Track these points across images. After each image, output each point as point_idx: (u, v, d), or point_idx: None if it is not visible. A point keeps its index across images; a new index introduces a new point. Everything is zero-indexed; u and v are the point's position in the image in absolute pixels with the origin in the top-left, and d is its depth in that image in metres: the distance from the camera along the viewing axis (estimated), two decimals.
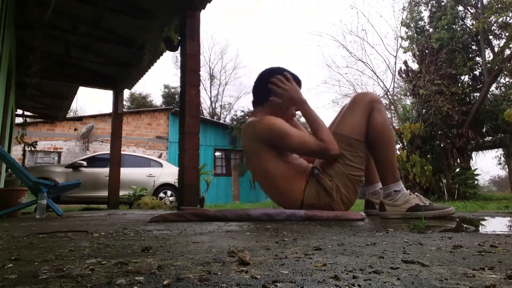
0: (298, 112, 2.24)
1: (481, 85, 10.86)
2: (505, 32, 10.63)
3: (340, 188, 1.94)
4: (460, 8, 11.87)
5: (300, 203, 1.98)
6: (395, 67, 10.65)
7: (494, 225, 1.71)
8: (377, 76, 11.00)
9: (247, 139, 2.09)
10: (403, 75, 10.26)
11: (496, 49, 11.13)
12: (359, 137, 1.96)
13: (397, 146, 10.06)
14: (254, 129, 2.03)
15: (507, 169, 17.87)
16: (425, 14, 12.49)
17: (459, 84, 10.49)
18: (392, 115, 11.40)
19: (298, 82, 2.16)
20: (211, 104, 28.13)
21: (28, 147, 6.09)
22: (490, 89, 11.00)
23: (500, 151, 15.75)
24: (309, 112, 2.04)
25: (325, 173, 1.97)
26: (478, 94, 10.84)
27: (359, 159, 1.97)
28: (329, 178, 1.95)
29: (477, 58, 11.67)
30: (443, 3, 11.93)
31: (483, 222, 1.81)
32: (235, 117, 18.20)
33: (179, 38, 4.29)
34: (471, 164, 10.31)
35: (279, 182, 2.01)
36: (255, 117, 2.07)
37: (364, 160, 2.00)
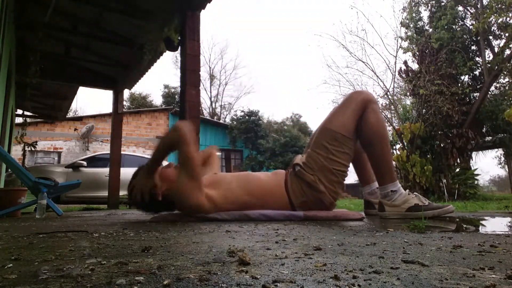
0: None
1: (481, 85, 10.86)
2: (505, 32, 10.63)
3: (323, 182, 1.92)
4: (460, 8, 11.87)
5: (291, 206, 1.97)
6: (395, 67, 10.67)
7: (494, 225, 1.71)
8: (377, 76, 11.03)
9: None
10: (403, 75, 10.26)
11: (496, 49, 11.13)
12: (347, 133, 1.94)
13: (397, 146, 10.07)
14: (185, 205, 1.91)
15: (507, 169, 17.88)
16: (425, 14, 12.49)
17: (459, 84, 10.49)
18: (392, 115, 11.41)
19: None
20: (211, 104, 28.16)
21: (28, 147, 6.08)
22: (490, 89, 11.00)
23: (500, 151, 15.75)
24: (156, 158, 1.88)
25: (307, 167, 1.95)
26: (478, 94, 10.84)
27: (344, 155, 1.94)
28: (311, 172, 1.93)
29: (477, 58, 11.67)
30: (443, 3, 11.93)
31: (483, 222, 1.81)
32: (235, 117, 18.23)
33: (179, 38, 4.29)
34: (471, 164, 10.31)
35: (261, 202, 1.95)
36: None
37: (349, 157, 1.98)
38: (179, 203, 1.90)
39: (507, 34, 10.07)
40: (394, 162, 8.75)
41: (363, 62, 11.49)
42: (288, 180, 1.99)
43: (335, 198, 1.99)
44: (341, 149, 1.93)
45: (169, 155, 1.95)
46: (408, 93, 10.99)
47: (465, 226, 1.64)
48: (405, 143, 9.23)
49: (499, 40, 11.62)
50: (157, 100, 25.24)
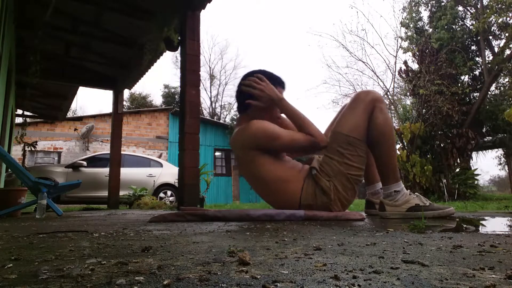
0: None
1: (481, 85, 10.86)
2: (505, 32, 10.63)
3: (338, 188, 1.92)
4: (460, 8, 11.87)
5: (298, 204, 1.97)
6: (395, 67, 10.67)
7: (494, 225, 1.70)
8: (377, 76, 11.03)
9: (238, 148, 2.06)
10: (403, 75, 10.26)
11: (496, 49, 11.13)
12: (359, 136, 1.94)
13: (397, 146, 10.06)
14: (243, 137, 2.00)
15: (507, 169, 17.88)
16: (425, 14, 12.50)
17: (459, 84, 10.49)
18: (392, 115, 11.40)
19: (278, 81, 2.12)
20: (211, 104, 28.15)
21: (28, 147, 6.10)
22: (490, 89, 11.01)
23: (500, 151, 15.75)
24: (289, 108, 2.02)
25: (323, 173, 1.95)
26: (478, 94, 10.85)
27: (359, 158, 1.94)
28: (327, 178, 1.93)
29: (477, 58, 11.67)
30: (443, 3, 11.93)
31: (483, 222, 1.81)
32: (235, 117, 18.22)
33: (179, 38, 4.29)
34: (471, 164, 10.31)
35: (275, 185, 1.99)
36: (241, 125, 2.04)
37: (364, 160, 1.98)
38: (254, 124, 1.96)
39: (507, 34, 10.07)
40: None
41: (363, 62, 11.51)
42: (305, 180, 2.00)
43: (345, 206, 1.98)
44: (355, 153, 1.93)
45: (294, 120, 2.05)
46: (408, 93, 10.99)
47: (465, 226, 1.64)
48: (405, 143, 9.23)
49: (499, 40, 11.63)
50: (157, 100, 25.25)
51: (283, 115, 2.18)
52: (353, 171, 1.93)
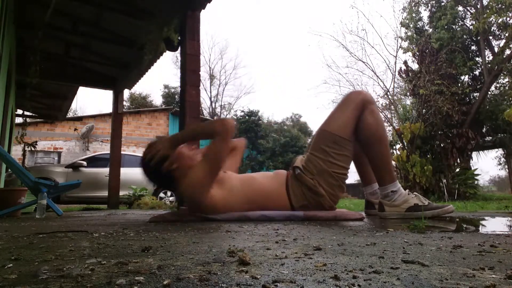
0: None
1: (481, 85, 10.86)
2: (505, 32, 10.63)
3: (323, 185, 1.91)
4: (460, 8, 11.87)
5: (290, 206, 1.96)
6: (395, 67, 10.67)
7: (494, 225, 1.71)
8: (377, 76, 11.03)
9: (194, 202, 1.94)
10: (403, 75, 10.27)
11: (496, 49, 11.13)
12: (346, 135, 1.92)
13: (397, 146, 10.07)
14: (190, 197, 1.90)
15: (507, 169, 17.87)
16: (425, 14, 12.51)
17: (459, 84, 10.50)
18: (392, 115, 11.41)
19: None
20: (211, 104, 28.16)
21: (28, 147, 6.08)
22: (490, 89, 11.01)
23: (500, 151, 15.76)
24: (185, 137, 1.92)
25: (307, 171, 1.94)
26: (478, 94, 10.85)
27: (344, 157, 1.93)
28: (311, 176, 1.92)
29: (477, 58, 11.67)
30: (443, 3, 11.93)
31: (483, 222, 1.81)
32: (235, 117, 18.22)
33: (179, 38, 4.29)
34: (471, 164, 10.32)
35: (262, 201, 1.94)
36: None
37: (349, 159, 1.97)
38: (183, 188, 1.84)
39: (507, 34, 10.07)
40: (394, 162, 8.76)
41: (363, 62, 11.50)
42: (289, 182, 1.98)
43: (335, 202, 1.98)
44: (340, 152, 1.92)
45: (196, 141, 1.96)
46: (408, 93, 10.99)
47: (465, 226, 1.64)
48: (405, 143, 9.23)
49: (499, 40, 11.63)
50: (157, 100, 25.27)
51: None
52: (337, 169, 1.92)
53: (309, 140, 2.27)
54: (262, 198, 1.96)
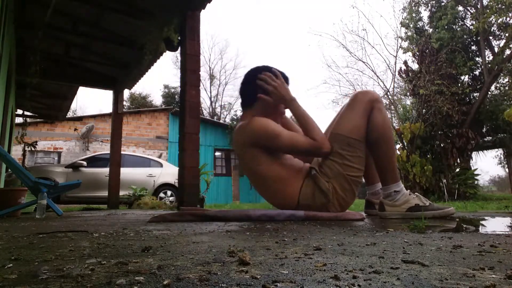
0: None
1: (481, 85, 10.86)
2: (505, 32, 10.64)
3: (337, 189, 1.92)
4: (460, 8, 11.87)
5: (296, 203, 1.97)
6: (395, 67, 10.67)
7: (494, 225, 1.71)
8: (377, 76, 11.03)
9: (239, 144, 2.05)
10: (403, 75, 10.27)
11: (496, 49, 11.13)
12: (358, 137, 1.93)
13: (397, 146, 10.07)
14: (244, 133, 1.99)
15: (507, 169, 17.87)
16: (425, 14, 12.50)
17: (459, 84, 10.49)
18: (392, 115, 11.40)
19: (286, 79, 2.13)
20: (211, 104, 28.15)
21: (28, 147, 6.08)
22: (490, 89, 11.01)
23: (500, 151, 15.76)
24: (298, 110, 2.02)
25: (322, 173, 1.94)
26: (478, 94, 10.85)
27: (358, 159, 1.94)
28: (326, 179, 1.92)
29: (477, 58, 11.67)
30: (443, 3, 11.93)
31: (483, 222, 1.81)
32: (235, 117, 18.22)
33: (179, 38, 4.29)
34: (471, 164, 10.31)
35: (274, 184, 1.99)
36: (244, 121, 2.04)
37: (363, 160, 1.97)
38: (257, 123, 1.95)
39: (507, 34, 10.07)
40: None
41: (363, 62, 11.50)
42: (305, 179, 1.99)
43: (343, 207, 1.97)
44: (355, 154, 1.92)
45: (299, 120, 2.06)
46: (408, 93, 10.99)
47: (465, 226, 1.64)
48: (405, 143, 9.23)
49: (499, 40, 11.63)
50: (157, 100, 25.26)
51: (290, 115, 2.19)
52: (353, 172, 1.93)
53: None
54: (285, 174, 1.99)
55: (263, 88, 2.04)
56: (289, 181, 1.98)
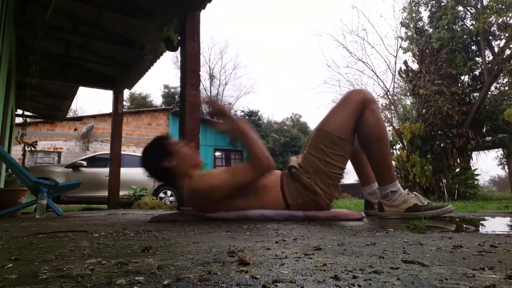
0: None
1: (481, 85, 10.86)
2: (504, 33, 10.63)
3: (318, 184, 1.89)
4: (460, 8, 11.87)
5: (285, 205, 1.94)
6: (395, 67, 10.66)
7: (494, 225, 1.71)
8: (377, 76, 11.01)
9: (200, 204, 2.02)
10: (403, 75, 10.26)
11: (496, 50, 11.13)
12: (345, 136, 1.89)
13: (397, 146, 10.07)
14: (194, 199, 1.98)
15: (507, 169, 17.87)
16: (425, 14, 12.51)
17: (459, 84, 10.49)
18: (392, 115, 11.40)
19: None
20: None
21: (28, 147, 6.08)
22: (490, 89, 11.00)
23: (500, 151, 15.76)
24: (243, 139, 1.87)
25: (303, 169, 1.91)
26: (478, 94, 10.84)
27: (341, 158, 1.91)
28: (307, 175, 1.90)
29: (477, 58, 11.67)
30: (443, 3, 11.93)
31: (483, 222, 1.81)
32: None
33: (179, 38, 4.29)
34: (471, 164, 10.31)
35: (257, 199, 1.94)
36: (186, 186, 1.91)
37: (346, 159, 1.94)
38: (194, 187, 1.87)
39: (507, 34, 10.06)
40: (394, 162, 8.76)
41: (363, 62, 11.49)
42: (284, 181, 1.96)
43: (331, 200, 1.97)
44: (337, 152, 1.89)
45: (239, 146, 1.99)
46: (408, 93, 10.99)
47: (465, 226, 1.64)
48: (405, 143, 9.23)
49: (499, 40, 11.63)
50: (157, 100, 25.27)
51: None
52: (333, 169, 1.90)
53: (307, 138, 2.29)
54: (257, 193, 1.95)
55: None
56: (266, 189, 1.95)
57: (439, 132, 9.42)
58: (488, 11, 10.02)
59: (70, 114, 18.62)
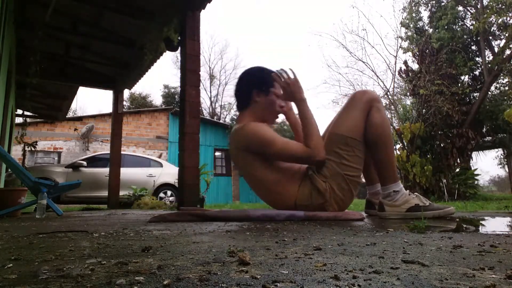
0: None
1: (481, 85, 10.86)
2: (505, 32, 10.63)
3: (334, 189, 1.90)
4: (460, 8, 11.87)
5: (293, 204, 1.96)
6: (395, 67, 10.66)
7: (494, 225, 1.70)
8: (377, 76, 11.01)
9: (233, 148, 2.06)
10: (403, 75, 10.26)
11: (496, 50, 11.13)
12: (357, 136, 1.92)
13: (397, 146, 10.07)
14: (238, 137, 2.00)
15: (507, 169, 17.87)
16: (425, 14, 12.51)
17: (459, 84, 10.49)
18: (392, 115, 11.40)
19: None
20: (211, 104, 28.14)
21: (28, 147, 6.08)
22: (490, 89, 11.00)
23: (500, 151, 15.75)
24: (304, 112, 2.00)
25: (320, 173, 1.93)
26: (478, 94, 10.84)
27: (356, 158, 1.93)
28: (323, 179, 1.91)
29: (477, 58, 11.67)
30: (443, 3, 11.93)
31: (483, 222, 1.81)
32: (235, 117, 18.20)
33: (179, 38, 4.29)
34: (471, 164, 10.31)
35: (271, 187, 1.98)
36: (240, 124, 2.03)
37: (361, 160, 1.96)
38: (249, 128, 1.95)
39: (507, 34, 10.06)
40: None
41: (363, 62, 11.50)
42: (302, 180, 1.98)
43: (341, 207, 1.96)
44: (352, 153, 1.91)
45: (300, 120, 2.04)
46: (408, 93, 10.99)
47: (465, 226, 1.64)
48: (405, 143, 9.23)
49: (499, 40, 11.63)
50: (157, 100, 25.25)
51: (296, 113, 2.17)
52: (351, 171, 1.92)
53: None
54: (282, 177, 1.98)
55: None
56: (286, 183, 1.98)
57: (439, 132, 9.42)
58: (488, 11, 10.02)
59: (70, 114, 18.62)
